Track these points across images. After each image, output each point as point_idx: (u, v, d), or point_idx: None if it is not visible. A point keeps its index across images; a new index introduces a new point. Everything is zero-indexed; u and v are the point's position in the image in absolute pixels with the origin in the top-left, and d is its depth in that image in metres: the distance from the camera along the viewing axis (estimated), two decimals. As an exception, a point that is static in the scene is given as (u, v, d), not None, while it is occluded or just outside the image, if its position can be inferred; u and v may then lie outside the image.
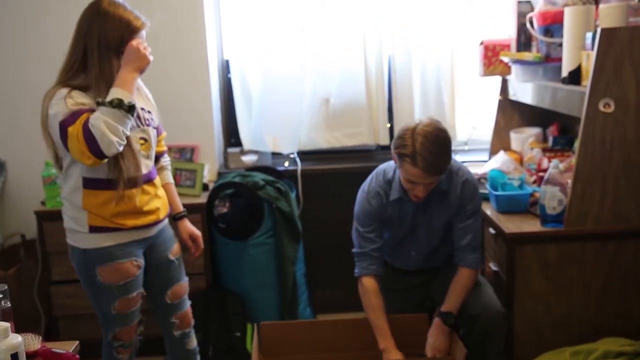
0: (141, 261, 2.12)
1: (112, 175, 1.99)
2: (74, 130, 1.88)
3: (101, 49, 1.95)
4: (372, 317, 2.23)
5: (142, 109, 2.10)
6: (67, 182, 2.06)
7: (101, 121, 1.86)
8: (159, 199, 2.16)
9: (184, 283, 2.30)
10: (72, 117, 1.90)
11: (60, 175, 2.10)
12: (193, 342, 2.38)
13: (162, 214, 2.17)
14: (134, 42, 1.97)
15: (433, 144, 2.05)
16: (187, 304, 2.33)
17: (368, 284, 2.24)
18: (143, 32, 2.01)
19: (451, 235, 2.30)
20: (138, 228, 2.08)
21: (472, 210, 2.26)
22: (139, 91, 2.14)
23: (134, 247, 2.09)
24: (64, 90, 1.96)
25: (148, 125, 2.11)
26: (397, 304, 2.41)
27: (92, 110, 1.91)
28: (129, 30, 1.97)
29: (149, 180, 2.11)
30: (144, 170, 2.08)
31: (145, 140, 2.09)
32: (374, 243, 2.26)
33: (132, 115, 1.93)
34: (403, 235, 2.33)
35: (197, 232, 2.37)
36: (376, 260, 2.26)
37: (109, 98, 1.89)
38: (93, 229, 2.03)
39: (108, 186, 2.00)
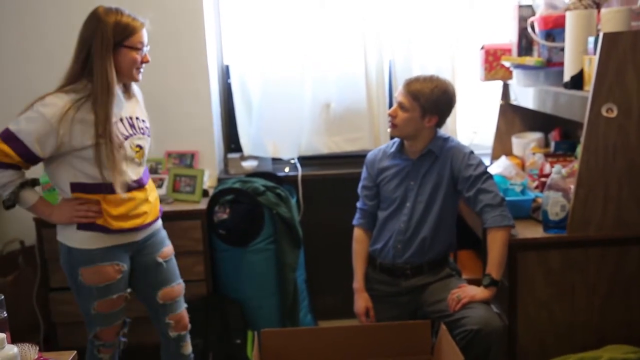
0: (123, 265, 2.16)
1: (100, 181, 2.05)
2: None
3: (103, 53, 2.00)
4: (353, 261, 2.52)
5: (137, 118, 2.17)
6: (53, 182, 2.14)
7: None
8: (148, 204, 2.19)
9: (177, 285, 2.32)
10: (7, 134, 2.01)
11: (46, 171, 2.15)
12: (189, 347, 2.40)
13: (150, 218, 2.21)
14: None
15: (428, 75, 2.37)
16: (182, 306, 2.35)
17: (356, 234, 2.54)
18: (144, 31, 2.08)
19: (436, 213, 2.36)
20: (123, 231, 2.12)
21: (476, 174, 2.29)
22: (135, 99, 2.21)
23: (118, 251, 2.14)
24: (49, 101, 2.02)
25: (143, 134, 2.17)
26: (389, 311, 2.44)
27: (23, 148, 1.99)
28: (129, 30, 2.03)
29: (139, 186, 2.16)
30: (134, 177, 2.14)
31: (141, 147, 2.15)
32: (367, 200, 2.51)
33: (5, 205, 2.07)
34: (394, 206, 2.42)
35: None
36: (365, 215, 2.52)
37: (7, 199, 2.05)
38: (81, 226, 2.09)
39: (95, 190, 2.07)
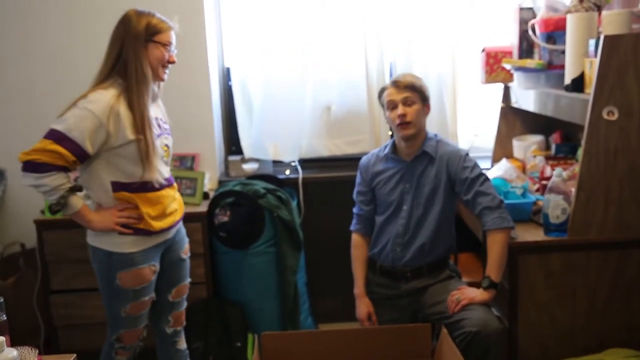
0: (157, 266, 2.21)
1: (141, 179, 2.09)
2: (45, 145, 1.99)
3: (137, 46, 2.06)
4: (352, 266, 2.53)
5: (161, 119, 2.24)
6: (91, 183, 2.13)
7: (39, 190, 2.03)
8: (176, 201, 2.27)
9: (188, 283, 2.39)
10: (57, 135, 1.99)
11: (82, 173, 2.14)
12: (183, 343, 2.45)
13: (179, 215, 2.28)
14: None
15: (400, 73, 2.58)
16: (185, 304, 2.41)
17: (354, 239, 2.56)
18: (172, 33, 2.15)
19: (435, 217, 2.36)
20: (162, 231, 2.17)
21: (472, 176, 2.31)
22: (157, 103, 2.27)
23: (154, 251, 2.19)
24: (94, 97, 2.03)
25: (168, 134, 2.26)
26: (389, 314, 2.44)
27: (74, 147, 1.98)
28: (158, 27, 2.11)
29: (170, 184, 2.24)
30: (166, 175, 2.21)
31: (168, 147, 2.23)
32: (363, 206, 2.52)
33: (53, 210, 2.05)
34: (391, 210, 2.43)
35: None
36: (361, 220, 2.53)
37: (56, 204, 2.03)
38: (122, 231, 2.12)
39: (135, 190, 2.10)
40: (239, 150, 3.41)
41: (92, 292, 2.95)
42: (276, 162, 3.40)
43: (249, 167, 3.32)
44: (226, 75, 3.45)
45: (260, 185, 3.01)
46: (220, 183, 3.26)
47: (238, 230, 2.93)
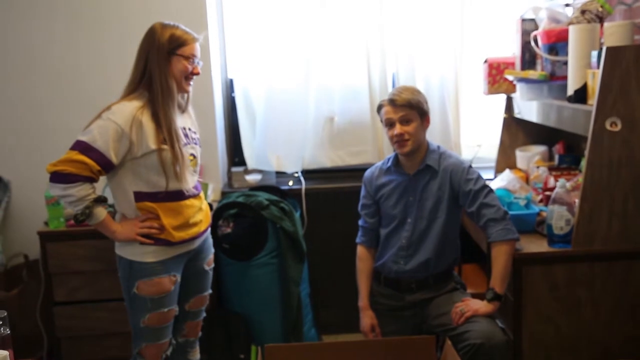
0: (178, 277, 2.21)
1: (166, 189, 2.11)
2: (71, 156, 2.03)
3: (160, 59, 2.08)
4: (357, 279, 2.53)
5: (190, 129, 2.24)
6: (116, 193, 2.16)
7: (65, 200, 2.07)
8: (201, 212, 2.26)
9: (207, 294, 2.39)
10: (82, 146, 2.03)
11: (109, 184, 2.18)
12: (197, 354, 2.44)
13: (204, 225, 2.28)
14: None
15: (398, 87, 2.43)
16: (202, 315, 2.42)
17: (359, 252, 2.55)
18: (196, 45, 2.16)
19: (439, 230, 2.36)
20: (184, 241, 2.18)
21: (476, 189, 2.30)
22: (188, 114, 2.28)
23: (176, 262, 2.20)
24: (117, 109, 2.06)
25: (195, 144, 2.25)
26: (392, 325, 2.44)
27: (102, 159, 2.03)
28: (182, 40, 2.12)
29: (195, 194, 2.23)
30: (191, 185, 2.20)
31: (194, 156, 2.23)
32: (367, 218, 2.52)
33: (78, 219, 2.08)
34: (395, 223, 2.42)
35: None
36: (366, 233, 2.53)
37: (81, 214, 2.06)
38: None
39: (159, 199, 2.12)
40: (242, 162, 3.42)
41: (95, 303, 2.96)
42: (279, 173, 3.41)
43: (252, 178, 3.33)
44: (229, 87, 3.47)
45: (263, 197, 3.01)
46: (223, 194, 3.26)
47: (241, 242, 2.93)
